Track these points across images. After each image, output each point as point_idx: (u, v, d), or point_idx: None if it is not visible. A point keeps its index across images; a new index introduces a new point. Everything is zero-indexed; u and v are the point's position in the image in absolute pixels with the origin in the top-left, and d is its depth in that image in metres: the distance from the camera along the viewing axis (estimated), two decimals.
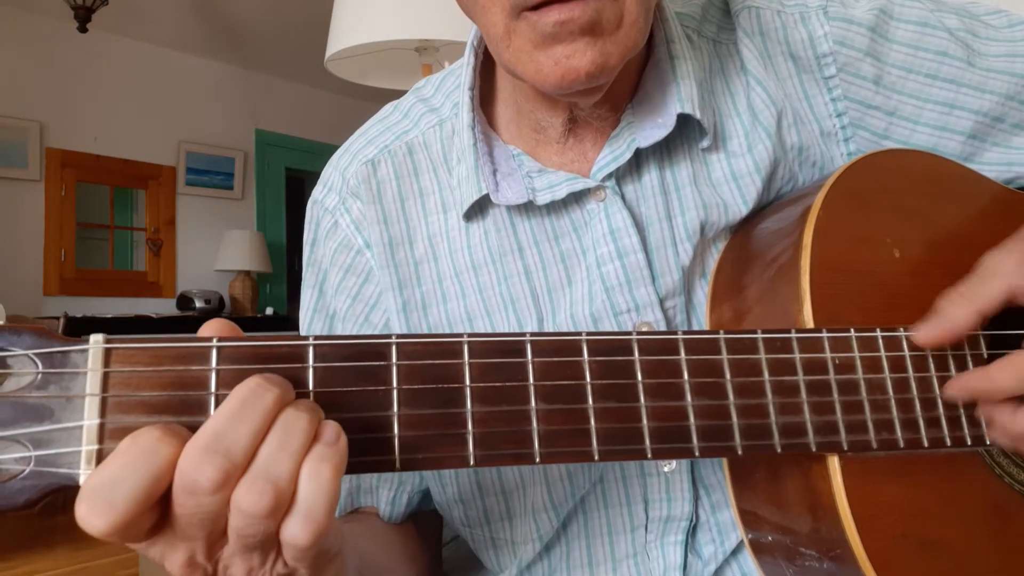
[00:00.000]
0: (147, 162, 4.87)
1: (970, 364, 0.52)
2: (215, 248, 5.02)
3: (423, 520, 0.72)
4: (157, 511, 0.34)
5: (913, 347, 0.51)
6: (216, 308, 4.75)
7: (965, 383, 0.50)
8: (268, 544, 0.35)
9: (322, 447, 0.35)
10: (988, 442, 0.51)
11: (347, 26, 1.76)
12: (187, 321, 4.48)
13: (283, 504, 0.34)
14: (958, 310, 0.50)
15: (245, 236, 4.99)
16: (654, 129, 0.59)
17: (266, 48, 5.05)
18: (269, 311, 5.13)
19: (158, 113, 4.91)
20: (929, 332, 0.50)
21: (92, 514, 0.32)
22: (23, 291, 4.27)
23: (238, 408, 0.34)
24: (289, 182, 5.76)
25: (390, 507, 0.68)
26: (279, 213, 5.65)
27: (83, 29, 3.92)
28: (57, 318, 3.69)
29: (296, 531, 0.34)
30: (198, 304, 4.68)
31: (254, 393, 0.35)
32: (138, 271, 4.91)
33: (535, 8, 0.48)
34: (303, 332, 0.70)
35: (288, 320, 5.03)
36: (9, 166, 4.26)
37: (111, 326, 4.07)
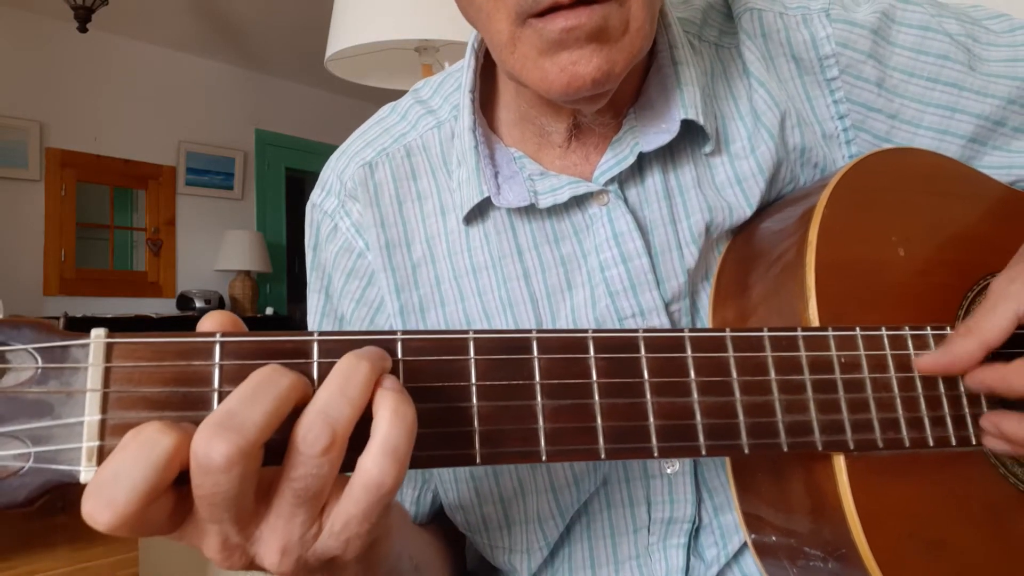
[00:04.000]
0: (147, 162, 4.88)
1: None
2: (215, 248, 5.03)
3: (445, 519, 0.71)
4: (171, 501, 0.34)
5: (919, 347, 0.51)
6: (216, 308, 4.76)
7: (982, 377, 0.50)
8: (319, 498, 0.35)
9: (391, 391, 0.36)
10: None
11: (347, 26, 1.76)
12: (187, 321, 4.49)
13: (339, 443, 0.34)
14: (966, 345, 0.50)
15: (245, 236, 5.00)
16: (658, 134, 0.58)
17: (266, 48, 5.05)
18: (269, 311, 5.14)
19: (158, 113, 4.92)
20: (933, 362, 0.50)
21: (96, 510, 0.31)
22: (23, 291, 4.28)
23: (252, 390, 0.34)
24: (289, 182, 5.77)
25: (415, 506, 0.68)
26: (279, 213, 5.66)
27: (83, 29, 3.92)
28: (57, 318, 3.69)
29: (376, 462, 0.34)
30: (198, 304, 4.68)
31: (269, 378, 0.34)
32: (138, 271, 4.91)
33: (541, 15, 0.47)
34: None
35: (288, 320, 5.04)
36: (9, 166, 4.26)
37: (111, 326, 4.02)
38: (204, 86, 5.16)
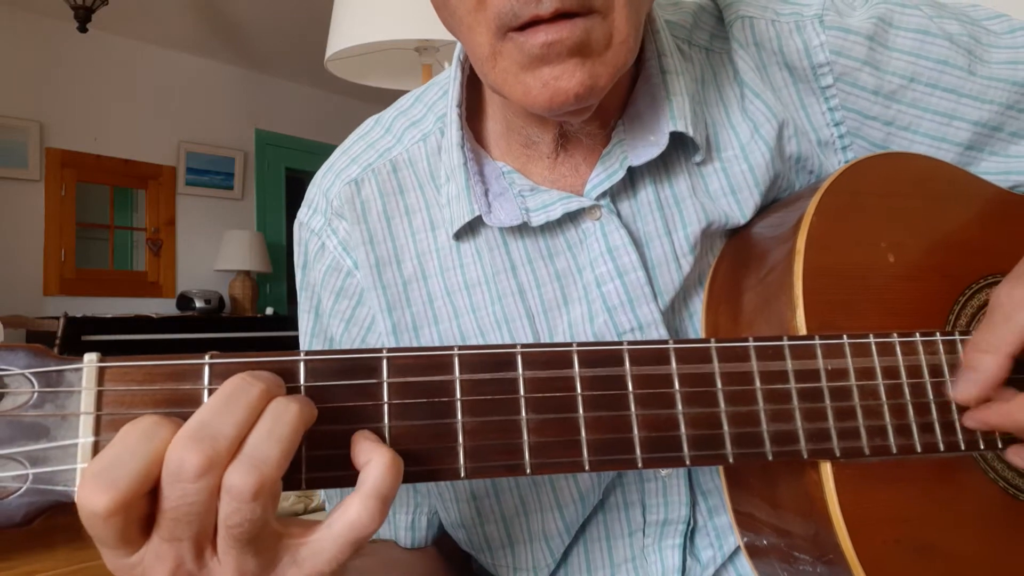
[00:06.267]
0: (147, 162, 4.87)
1: None
2: (215, 248, 5.02)
3: (446, 541, 0.69)
4: (146, 506, 0.35)
5: (908, 353, 0.51)
6: (216, 308, 4.75)
7: (984, 418, 0.50)
8: (260, 543, 0.36)
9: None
10: (982, 446, 0.51)
11: (347, 26, 1.76)
12: (187, 321, 4.49)
13: (268, 488, 0.34)
14: (992, 361, 0.49)
15: (245, 236, 4.99)
16: (647, 147, 0.58)
17: (266, 48, 5.04)
18: (269, 311, 5.13)
19: (158, 113, 4.91)
20: (970, 390, 0.49)
21: (95, 491, 0.32)
22: (23, 291, 4.28)
23: (223, 401, 0.35)
24: (289, 182, 5.76)
25: (411, 532, 0.67)
26: (279, 213, 5.65)
27: (83, 29, 3.92)
28: (57, 318, 3.69)
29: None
30: (198, 304, 4.68)
31: (239, 387, 0.36)
32: (138, 271, 4.91)
33: (522, 28, 0.46)
34: None
35: (288, 320, 5.03)
36: (9, 166, 4.26)
37: (111, 326, 4.07)
38: (204, 86, 5.15)
